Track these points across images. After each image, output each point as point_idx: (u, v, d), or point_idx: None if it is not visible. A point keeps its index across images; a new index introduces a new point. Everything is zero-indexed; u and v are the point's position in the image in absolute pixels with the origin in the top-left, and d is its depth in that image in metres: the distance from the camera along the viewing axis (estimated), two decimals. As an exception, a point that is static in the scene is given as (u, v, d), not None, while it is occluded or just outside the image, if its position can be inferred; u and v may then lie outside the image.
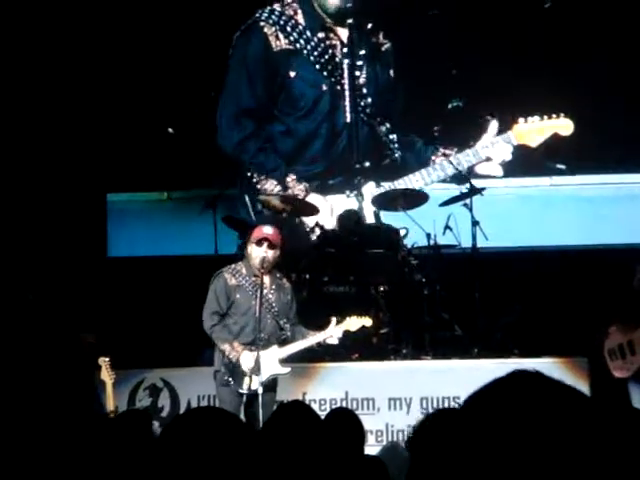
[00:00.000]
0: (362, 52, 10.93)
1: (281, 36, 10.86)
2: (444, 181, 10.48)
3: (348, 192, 10.49)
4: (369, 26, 11.00)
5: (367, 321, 8.21)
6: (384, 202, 9.87)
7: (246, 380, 7.69)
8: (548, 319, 9.92)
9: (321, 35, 10.91)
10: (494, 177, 10.65)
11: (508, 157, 10.55)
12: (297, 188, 10.56)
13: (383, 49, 11.11)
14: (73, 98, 10.97)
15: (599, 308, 8.65)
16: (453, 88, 10.87)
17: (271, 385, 7.85)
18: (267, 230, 8.05)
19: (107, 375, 7.88)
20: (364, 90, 10.90)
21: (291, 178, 10.68)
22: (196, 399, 8.89)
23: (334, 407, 8.20)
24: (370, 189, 10.36)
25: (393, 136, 10.91)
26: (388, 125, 10.91)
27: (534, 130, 10.47)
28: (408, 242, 9.73)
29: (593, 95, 10.81)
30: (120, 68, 11.10)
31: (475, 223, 9.68)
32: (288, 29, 10.88)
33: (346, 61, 10.81)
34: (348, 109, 10.72)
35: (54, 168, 10.92)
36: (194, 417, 2.41)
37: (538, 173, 11.19)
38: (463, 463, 1.37)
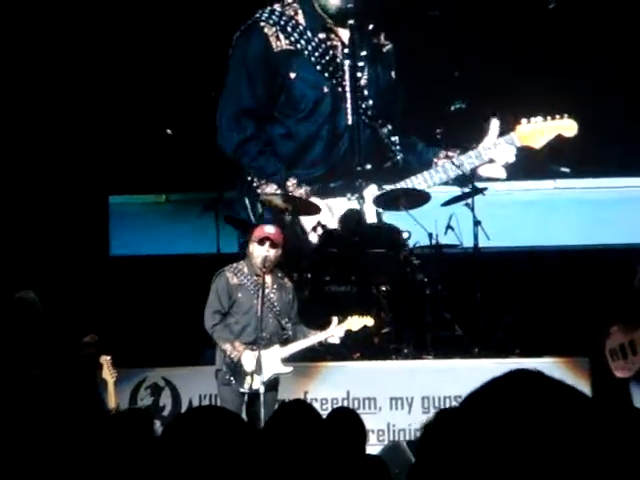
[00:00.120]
0: (363, 53, 10.86)
1: (281, 37, 10.79)
2: (446, 183, 10.43)
3: (349, 195, 10.44)
4: (370, 27, 10.92)
5: (369, 321, 8.22)
6: (386, 202, 9.87)
7: (247, 379, 7.70)
8: (549, 319, 9.92)
9: (322, 36, 10.83)
10: (497, 180, 10.61)
11: (511, 159, 10.48)
12: (298, 192, 10.51)
13: (384, 50, 11.04)
14: (77, 104, 10.96)
15: (600, 308, 8.65)
16: (455, 89, 10.84)
17: (273, 384, 7.85)
18: (269, 229, 8.05)
19: (109, 374, 7.89)
20: (365, 92, 10.83)
21: (291, 182, 10.62)
22: (197, 398, 8.90)
23: (336, 406, 8.20)
24: (371, 192, 10.30)
25: (395, 138, 10.85)
26: (390, 127, 10.84)
27: (537, 131, 10.40)
28: (410, 243, 9.73)
29: (593, 95, 10.78)
30: (120, 68, 11.07)
31: (477, 223, 9.68)
32: (289, 29, 10.80)
33: (347, 62, 10.74)
34: (349, 111, 10.66)
35: (60, 171, 10.93)
36: (195, 416, 2.42)
37: (542, 176, 11.12)
38: (461, 463, 1.38)
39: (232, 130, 10.83)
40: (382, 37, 11.04)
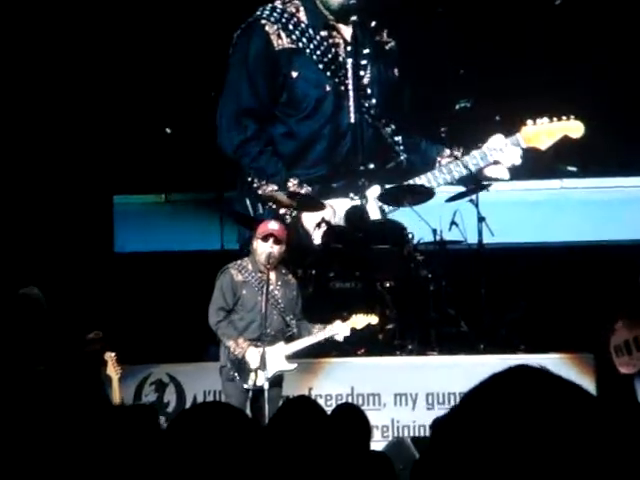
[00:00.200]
0: (366, 51, 10.73)
1: (283, 35, 10.66)
2: (450, 184, 10.36)
3: (352, 195, 10.35)
4: (373, 24, 10.81)
5: (373, 319, 8.22)
6: (390, 198, 9.85)
7: (252, 376, 7.71)
8: (554, 315, 9.92)
9: (324, 33, 10.70)
10: (501, 180, 10.56)
11: (517, 161, 10.36)
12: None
13: (387, 48, 10.92)
14: (77, 104, 10.96)
15: (605, 304, 8.65)
16: (460, 88, 10.78)
17: (277, 380, 7.86)
18: (273, 226, 8.05)
19: (113, 370, 7.91)
20: (368, 90, 10.71)
21: (292, 183, 10.50)
22: (202, 394, 8.91)
23: (340, 402, 8.20)
24: (374, 192, 10.21)
25: (398, 138, 10.73)
26: (393, 126, 10.72)
27: (543, 132, 10.28)
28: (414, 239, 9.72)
29: (593, 95, 10.71)
30: (120, 68, 11.05)
31: (481, 219, 9.66)
32: (290, 27, 10.68)
33: (350, 60, 10.62)
34: (352, 110, 10.56)
35: (65, 171, 10.94)
36: (200, 412, 2.42)
37: (548, 176, 11.05)
38: (460, 462, 1.37)
39: (232, 130, 10.70)
40: (385, 34, 10.93)
